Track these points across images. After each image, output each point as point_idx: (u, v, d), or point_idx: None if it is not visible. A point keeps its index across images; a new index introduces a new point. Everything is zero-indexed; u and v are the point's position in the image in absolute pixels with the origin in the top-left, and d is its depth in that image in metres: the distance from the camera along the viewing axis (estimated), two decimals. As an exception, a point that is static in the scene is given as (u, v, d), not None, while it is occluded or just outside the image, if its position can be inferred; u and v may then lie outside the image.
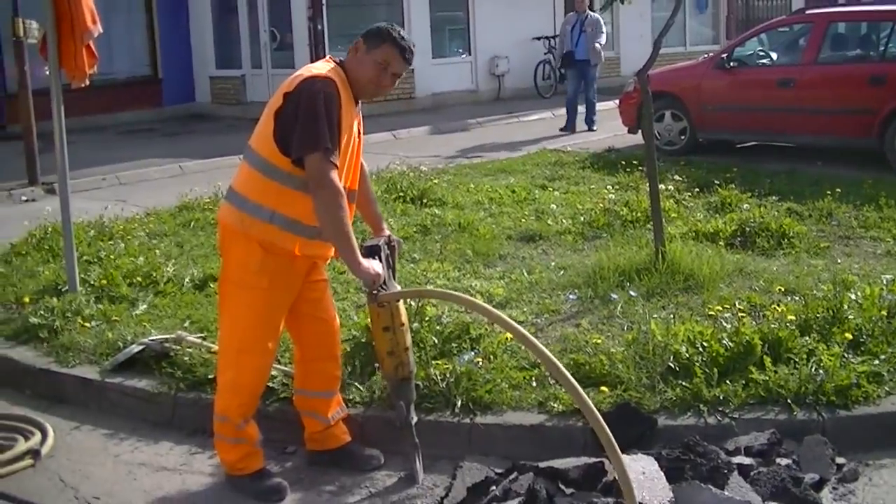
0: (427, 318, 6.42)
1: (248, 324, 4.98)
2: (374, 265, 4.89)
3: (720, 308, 6.85)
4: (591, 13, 19.43)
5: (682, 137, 15.51)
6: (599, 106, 19.59)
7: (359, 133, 5.09)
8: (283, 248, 4.89)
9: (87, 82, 8.24)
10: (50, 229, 10.23)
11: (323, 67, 4.92)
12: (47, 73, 8.38)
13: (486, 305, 4.90)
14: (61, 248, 8.96)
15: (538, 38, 25.74)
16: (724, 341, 5.95)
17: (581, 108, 19.14)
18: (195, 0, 25.44)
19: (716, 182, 11.62)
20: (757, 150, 15.24)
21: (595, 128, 18.98)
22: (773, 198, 10.96)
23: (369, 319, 5.35)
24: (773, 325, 6.20)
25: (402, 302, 5.21)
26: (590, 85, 19.25)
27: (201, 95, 25.73)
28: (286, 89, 4.83)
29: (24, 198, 14.53)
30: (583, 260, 8.58)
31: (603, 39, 19.27)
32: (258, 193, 4.90)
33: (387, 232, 5.42)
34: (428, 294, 6.57)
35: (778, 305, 6.84)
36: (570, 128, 18.83)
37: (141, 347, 6.75)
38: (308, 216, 4.81)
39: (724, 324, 6.35)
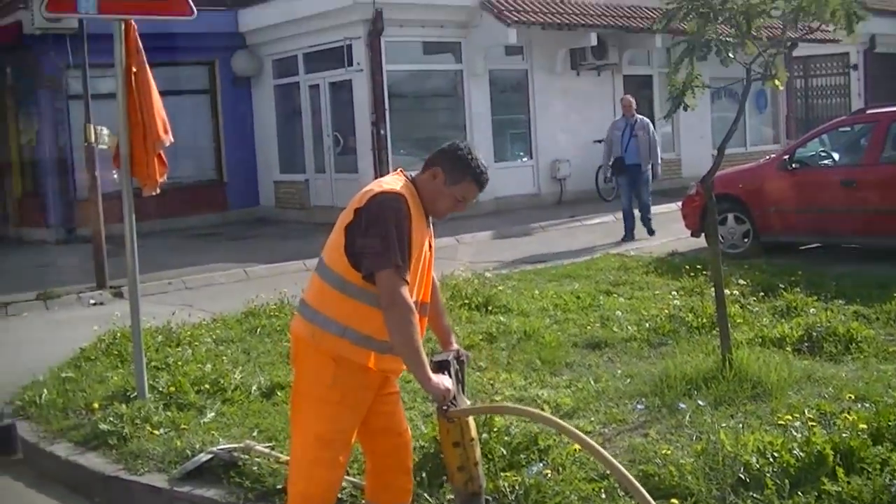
0: (495, 429, 6.41)
1: (319, 437, 4.99)
2: (444, 381, 4.90)
3: (790, 417, 6.77)
4: (640, 117, 19.16)
5: (746, 240, 15.46)
6: (662, 209, 19.54)
7: (430, 247, 5.13)
8: (355, 362, 4.92)
9: (158, 190, 8.40)
10: (119, 334, 10.38)
11: (394, 182, 4.97)
12: (115, 177, 8.58)
13: (556, 419, 4.89)
14: (130, 353, 9.09)
15: (599, 141, 25.81)
16: (795, 451, 5.88)
17: (637, 212, 18.94)
18: (260, 106, 25.95)
19: (781, 286, 11.52)
20: (822, 252, 15.14)
21: (654, 231, 18.71)
22: (840, 301, 10.82)
23: (438, 433, 5.34)
24: (844, 434, 6.11)
25: (471, 416, 5.20)
26: (643, 189, 18.90)
27: (265, 199, 26.11)
28: (357, 204, 4.89)
29: (92, 301, 14.75)
30: (649, 367, 8.53)
31: (658, 148, 19.08)
32: (330, 307, 4.94)
33: (455, 346, 5.42)
34: (498, 410, 6.55)
35: (848, 413, 6.73)
36: (629, 237, 18.57)
37: (209, 456, 6.79)
38: (380, 331, 4.83)
39: (795, 433, 6.27)
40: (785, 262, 13.81)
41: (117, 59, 8.13)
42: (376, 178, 18.01)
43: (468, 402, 5.24)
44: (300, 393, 5.10)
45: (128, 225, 8.36)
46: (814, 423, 6.55)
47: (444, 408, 4.93)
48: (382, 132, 22.27)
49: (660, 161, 19.28)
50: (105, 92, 18.76)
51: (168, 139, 8.27)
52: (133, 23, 8.17)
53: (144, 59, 8.16)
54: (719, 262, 8.29)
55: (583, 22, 24.76)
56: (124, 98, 8.14)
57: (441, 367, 5.01)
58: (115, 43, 8.14)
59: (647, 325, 10.16)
